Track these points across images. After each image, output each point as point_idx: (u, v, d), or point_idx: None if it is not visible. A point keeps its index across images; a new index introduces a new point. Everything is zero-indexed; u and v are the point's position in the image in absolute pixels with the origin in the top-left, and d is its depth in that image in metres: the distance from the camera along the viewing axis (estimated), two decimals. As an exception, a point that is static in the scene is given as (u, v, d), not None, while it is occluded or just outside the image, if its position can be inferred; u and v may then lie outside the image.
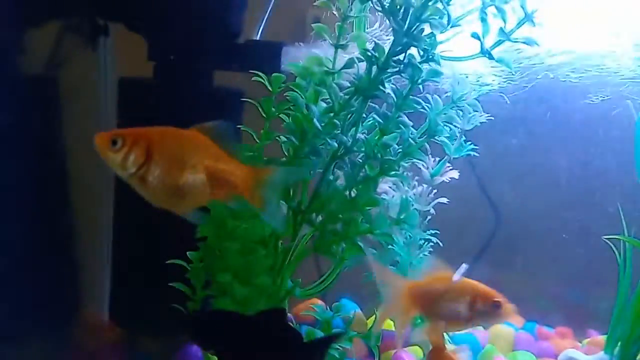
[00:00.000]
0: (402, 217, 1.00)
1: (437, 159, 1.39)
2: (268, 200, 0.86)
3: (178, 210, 0.88)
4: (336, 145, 0.98)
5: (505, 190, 1.88)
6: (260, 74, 1.08)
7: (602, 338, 1.57)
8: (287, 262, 1.04)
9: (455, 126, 1.12)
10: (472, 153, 1.30)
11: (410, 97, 0.99)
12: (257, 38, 1.52)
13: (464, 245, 1.76)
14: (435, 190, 1.39)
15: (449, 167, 1.40)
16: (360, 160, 1.04)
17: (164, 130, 0.89)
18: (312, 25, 1.00)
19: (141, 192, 0.87)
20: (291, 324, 0.89)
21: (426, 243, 1.54)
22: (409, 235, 1.49)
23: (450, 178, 1.40)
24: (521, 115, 1.66)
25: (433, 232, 1.48)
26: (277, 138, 1.08)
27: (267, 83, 1.09)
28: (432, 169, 1.39)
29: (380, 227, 0.97)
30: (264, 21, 1.54)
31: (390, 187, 1.22)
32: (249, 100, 1.09)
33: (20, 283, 1.30)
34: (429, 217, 1.49)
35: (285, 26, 1.57)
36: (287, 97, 1.07)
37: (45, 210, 1.41)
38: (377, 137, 1.00)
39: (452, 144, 1.22)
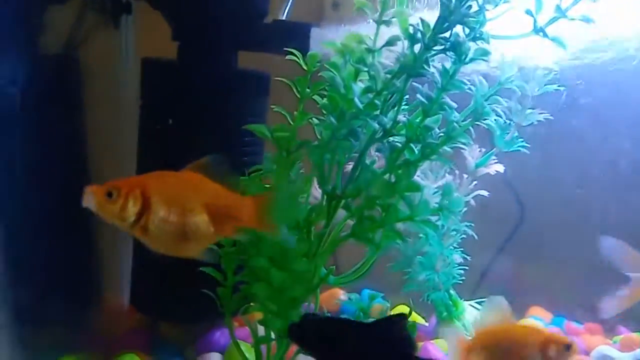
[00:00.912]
0: (445, 203, 0.95)
1: (483, 149, 1.35)
2: (274, 224, 0.85)
3: (187, 254, 0.87)
4: (377, 126, 0.93)
5: (531, 180, 1.83)
6: (294, 52, 1.03)
7: (636, 335, 1.52)
8: (321, 249, 1.00)
9: (508, 120, 1.07)
10: (522, 149, 1.26)
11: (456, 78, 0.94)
12: (284, 18, 1.47)
13: (487, 237, 1.72)
14: (475, 182, 1.35)
15: (494, 160, 1.35)
16: (400, 144, 0.99)
17: (158, 175, 0.87)
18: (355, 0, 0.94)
19: (145, 242, 0.86)
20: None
21: (457, 234, 1.51)
22: (442, 225, 1.46)
23: (495, 171, 1.35)
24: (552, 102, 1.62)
25: (467, 223, 1.44)
26: (309, 121, 1.04)
27: (301, 62, 1.04)
28: (476, 159, 1.34)
29: (422, 214, 0.93)
30: (291, 1, 1.49)
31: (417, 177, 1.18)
32: (282, 79, 1.05)
33: (42, 268, 1.28)
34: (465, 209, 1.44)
35: (303, 8, 1.52)
36: (322, 77, 1.02)
37: (65, 193, 1.38)
38: (419, 119, 0.95)
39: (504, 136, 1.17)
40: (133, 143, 1.41)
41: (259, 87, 1.38)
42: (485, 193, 1.31)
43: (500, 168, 1.36)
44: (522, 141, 1.25)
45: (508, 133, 1.23)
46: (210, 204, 0.84)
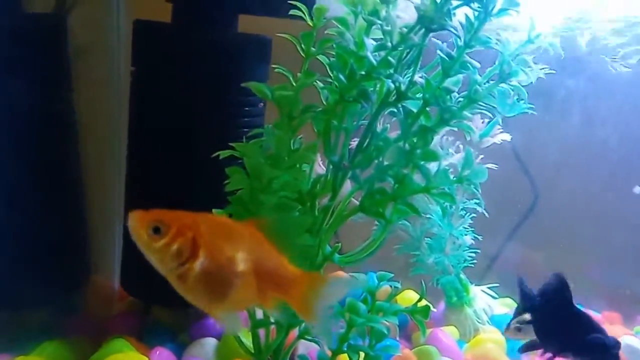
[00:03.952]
0: (465, 174, 0.85)
1: (485, 120, 1.26)
2: (319, 313, 0.74)
3: (216, 312, 0.77)
4: (392, 85, 0.83)
5: (545, 164, 1.75)
6: (299, 4, 0.93)
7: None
8: (326, 224, 0.90)
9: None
10: (528, 111, 1.16)
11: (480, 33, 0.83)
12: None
13: (499, 220, 1.64)
14: (482, 156, 1.26)
15: (499, 129, 1.26)
16: (414, 110, 0.89)
17: (214, 220, 0.78)
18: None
19: (177, 289, 0.75)
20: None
21: (468, 214, 1.42)
22: (450, 205, 1.36)
23: (501, 140, 1.26)
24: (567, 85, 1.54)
25: (477, 202, 1.35)
26: (314, 84, 0.94)
27: (306, 17, 0.94)
28: (480, 130, 1.25)
29: (441, 185, 0.83)
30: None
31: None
32: (285, 35, 0.94)
33: (26, 247, 1.21)
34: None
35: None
36: (329, 34, 0.93)
37: (53, 171, 1.30)
38: (438, 80, 0.85)
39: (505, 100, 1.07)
40: (124, 111, 1.32)
41: (260, 53, 1.28)
42: (493, 166, 1.22)
43: (506, 137, 1.27)
44: (525, 103, 1.16)
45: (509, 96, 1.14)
46: (259, 265, 0.75)
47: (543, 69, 0.96)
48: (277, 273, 0.75)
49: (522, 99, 1.01)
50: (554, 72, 1.04)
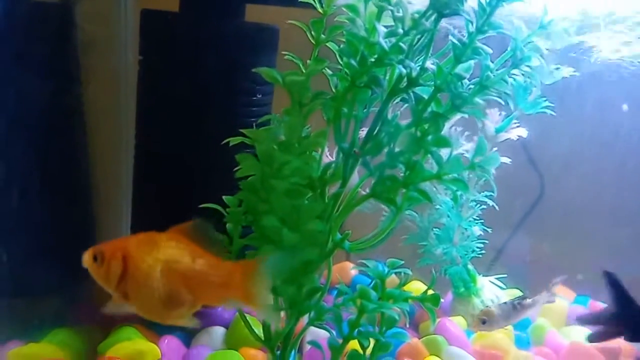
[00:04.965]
0: (477, 160, 0.84)
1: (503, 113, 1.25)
2: (260, 296, 0.81)
3: (172, 321, 0.87)
4: (403, 70, 0.82)
5: (553, 155, 1.74)
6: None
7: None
8: (336, 211, 0.90)
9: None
10: (547, 111, 1.15)
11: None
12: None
13: (506, 211, 1.63)
14: (495, 148, 1.25)
15: (516, 123, 1.25)
16: (425, 97, 0.89)
17: (141, 240, 0.86)
18: None
19: (131, 309, 0.86)
20: None
21: (478, 205, 1.41)
22: (460, 196, 1.36)
23: (518, 136, 1.25)
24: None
25: (489, 193, 1.35)
26: (324, 72, 0.94)
27: (316, 3, 0.93)
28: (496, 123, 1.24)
29: (453, 171, 0.82)
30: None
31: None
32: (295, 22, 0.94)
33: (33, 235, 1.21)
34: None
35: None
36: (339, 21, 0.92)
37: (63, 164, 1.30)
38: (449, 66, 0.85)
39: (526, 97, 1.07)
40: (132, 100, 1.32)
41: (267, 42, 1.28)
42: (507, 160, 1.22)
43: (523, 132, 1.26)
44: (546, 101, 1.16)
45: (530, 93, 1.14)
46: (189, 270, 0.82)
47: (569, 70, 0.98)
48: (209, 272, 0.82)
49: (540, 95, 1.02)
50: (577, 74, 1.05)
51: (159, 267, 0.82)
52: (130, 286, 0.83)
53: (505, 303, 1.25)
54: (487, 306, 1.32)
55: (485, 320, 1.22)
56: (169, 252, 0.83)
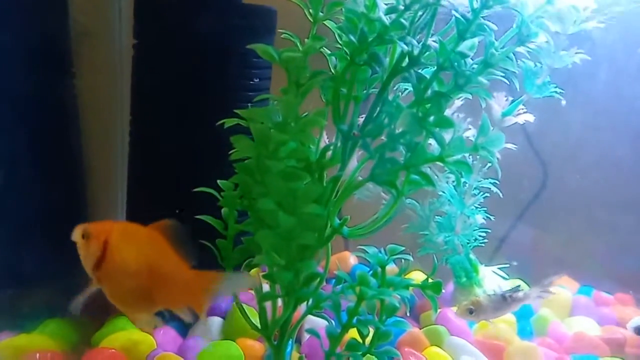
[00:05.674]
0: (480, 141, 0.81)
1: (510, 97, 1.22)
2: (205, 307, 0.86)
3: (132, 318, 0.93)
4: (405, 47, 0.79)
5: (556, 145, 1.72)
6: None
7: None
8: (335, 195, 0.87)
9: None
10: (556, 95, 1.12)
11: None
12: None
13: (508, 201, 1.60)
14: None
15: (522, 109, 1.22)
16: (427, 76, 0.85)
17: (126, 228, 0.90)
18: None
19: (106, 295, 0.89)
20: None
21: (481, 193, 1.38)
22: (464, 182, 1.33)
23: (524, 121, 1.22)
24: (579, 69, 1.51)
25: (492, 181, 1.32)
26: (322, 51, 0.90)
27: (315, -19, 0.90)
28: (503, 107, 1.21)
29: (456, 153, 0.79)
30: None
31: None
32: (294, 0, 0.91)
33: (26, 222, 1.19)
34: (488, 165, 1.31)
35: None
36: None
37: (57, 155, 1.27)
38: (452, 44, 0.81)
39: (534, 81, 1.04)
40: (126, 84, 1.28)
41: (265, 24, 1.24)
42: (512, 146, 1.18)
43: (530, 117, 1.23)
44: (555, 86, 1.12)
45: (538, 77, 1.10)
46: (160, 270, 0.85)
47: (578, 53, 0.95)
48: (176, 277, 0.85)
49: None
50: (589, 58, 1.02)
51: (134, 260, 0.85)
52: (104, 270, 0.85)
53: (494, 294, 1.23)
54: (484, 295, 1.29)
55: (472, 310, 1.19)
56: (147, 248, 0.86)
